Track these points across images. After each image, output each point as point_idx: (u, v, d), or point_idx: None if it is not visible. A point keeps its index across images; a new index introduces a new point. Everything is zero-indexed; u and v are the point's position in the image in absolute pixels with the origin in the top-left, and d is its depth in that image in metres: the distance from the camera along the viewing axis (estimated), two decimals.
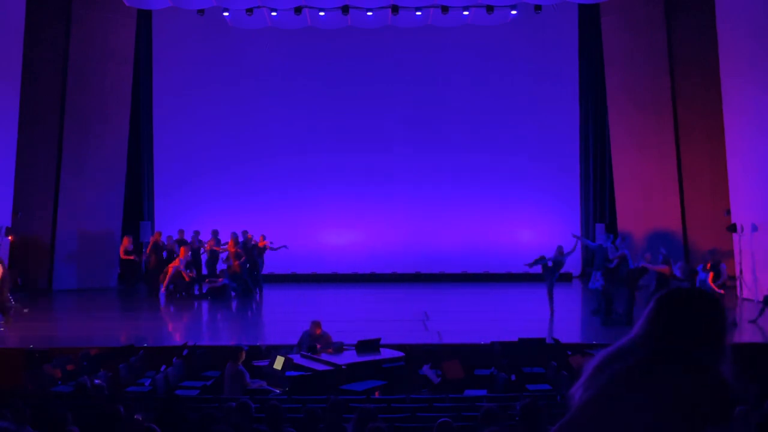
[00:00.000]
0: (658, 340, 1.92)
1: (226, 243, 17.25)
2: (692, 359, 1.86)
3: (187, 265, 16.95)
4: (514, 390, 9.53)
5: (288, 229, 18.78)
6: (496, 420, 5.65)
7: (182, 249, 16.97)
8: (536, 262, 14.89)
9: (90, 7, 17.89)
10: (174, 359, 10.70)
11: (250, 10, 17.24)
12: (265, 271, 17.61)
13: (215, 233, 17.59)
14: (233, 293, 16.80)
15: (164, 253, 17.18)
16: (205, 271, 17.56)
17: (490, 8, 17.76)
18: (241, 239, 17.20)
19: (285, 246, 17.47)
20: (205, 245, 17.55)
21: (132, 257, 17.61)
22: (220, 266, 17.32)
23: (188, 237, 17.70)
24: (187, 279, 16.72)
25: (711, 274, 13.49)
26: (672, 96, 17.83)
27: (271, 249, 17.42)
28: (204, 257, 17.66)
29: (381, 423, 5.64)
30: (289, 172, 19.45)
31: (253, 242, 17.25)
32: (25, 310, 14.62)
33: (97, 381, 9.31)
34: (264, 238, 17.48)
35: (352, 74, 19.50)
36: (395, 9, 17.22)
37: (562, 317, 13.81)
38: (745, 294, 15.58)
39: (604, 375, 1.89)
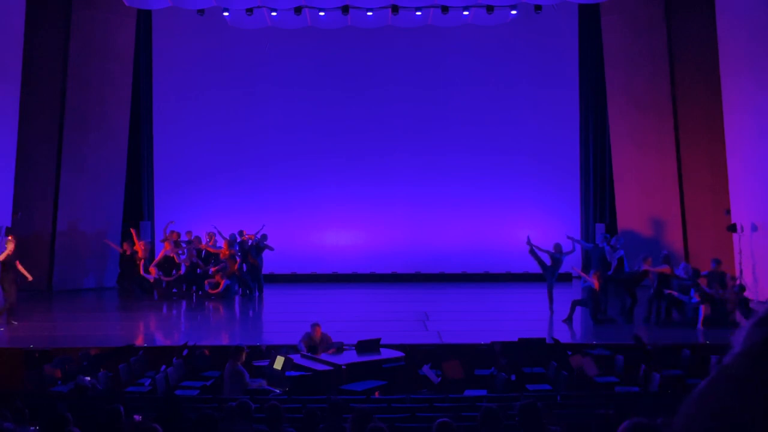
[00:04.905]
0: None
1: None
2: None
3: (192, 266, 16.97)
4: (514, 390, 9.53)
5: (288, 230, 18.78)
6: (496, 420, 5.64)
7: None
8: (533, 249, 14.87)
9: (90, 7, 17.89)
10: (174, 359, 10.70)
11: (250, 10, 17.24)
12: (265, 270, 17.56)
13: (211, 235, 17.52)
14: (236, 296, 16.79)
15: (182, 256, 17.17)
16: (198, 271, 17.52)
17: (490, 8, 17.76)
18: (238, 239, 17.13)
19: (263, 225, 17.20)
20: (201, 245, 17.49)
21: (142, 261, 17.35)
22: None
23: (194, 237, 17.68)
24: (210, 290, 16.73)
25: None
26: (672, 96, 17.82)
27: (257, 240, 17.20)
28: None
29: (379, 423, 5.64)
30: (289, 171, 19.44)
31: (250, 243, 17.15)
32: (14, 323, 13.74)
33: (92, 380, 9.31)
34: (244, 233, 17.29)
35: (351, 74, 19.49)
36: (395, 9, 17.22)
37: (562, 317, 13.80)
38: (745, 294, 15.55)
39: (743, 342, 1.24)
